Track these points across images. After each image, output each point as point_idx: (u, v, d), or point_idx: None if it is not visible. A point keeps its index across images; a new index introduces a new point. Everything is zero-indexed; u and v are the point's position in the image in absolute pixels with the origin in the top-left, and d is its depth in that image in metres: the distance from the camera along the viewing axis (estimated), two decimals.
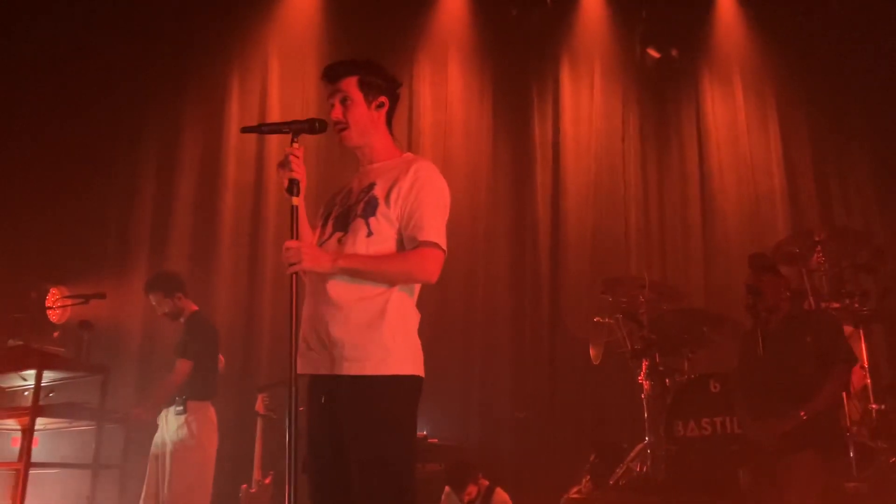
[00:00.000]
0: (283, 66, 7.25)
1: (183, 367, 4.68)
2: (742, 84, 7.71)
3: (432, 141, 7.29)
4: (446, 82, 7.48)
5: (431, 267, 2.50)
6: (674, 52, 7.79)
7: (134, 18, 6.70)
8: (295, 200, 2.46)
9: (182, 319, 4.92)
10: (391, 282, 2.50)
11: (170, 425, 4.68)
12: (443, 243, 2.53)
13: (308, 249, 2.43)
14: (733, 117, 7.65)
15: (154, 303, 4.91)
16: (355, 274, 2.47)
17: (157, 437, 4.71)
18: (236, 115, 7.05)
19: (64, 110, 6.36)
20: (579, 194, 7.38)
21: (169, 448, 4.63)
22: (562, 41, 7.76)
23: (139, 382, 6.07)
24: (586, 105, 7.66)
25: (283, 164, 2.49)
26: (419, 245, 2.49)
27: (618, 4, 7.76)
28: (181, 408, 4.64)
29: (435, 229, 2.52)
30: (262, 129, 2.62)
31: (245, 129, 2.66)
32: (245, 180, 6.95)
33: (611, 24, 7.76)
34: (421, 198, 2.55)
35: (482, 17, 7.64)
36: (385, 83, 2.69)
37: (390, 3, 7.39)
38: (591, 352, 5.98)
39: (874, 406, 4.68)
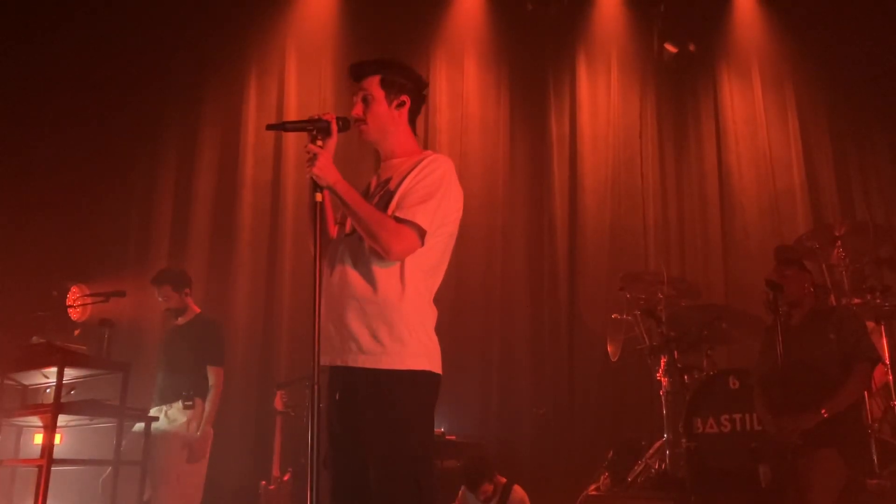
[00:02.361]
0: (301, 65, 7.27)
1: (220, 374, 4.88)
2: (761, 78, 7.64)
3: (449, 137, 7.30)
4: (463, 78, 7.48)
5: (398, 245, 2.47)
6: (691, 47, 7.73)
7: (152, 20, 6.74)
8: (318, 196, 2.46)
9: (183, 319, 5.02)
10: (362, 230, 2.48)
11: (176, 419, 4.74)
12: (424, 225, 2.49)
13: (324, 158, 2.45)
14: (752, 111, 7.58)
15: (161, 297, 4.99)
16: (342, 201, 2.48)
17: (158, 432, 4.74)
18: (254, 113, 7.09)
19: (84, 112, 6.41)
20: (597, 190, 7.36)
21: (176, 441, 4.68)
22: (578, 36, 7.73)
23: None
24: (603, 100, 7.63)
25: (312, 159, 2.48)
26: (398, 220, 2.49)
27: None
28: (190, 402, 4.73)
29: (420, 212, 2.50)
30: (287, 126, 2.62)
31: (270, 127, 2.65)
32: (263, 178, 6.99)
33: (627, 18, 7.72)
34: (418, 180, 2.56)
35: (498, 12, 7.63)
36: (408, 82, 2.72)
37: (406, 1, 7.39)
38: (609, 348, 5.97)
39: None
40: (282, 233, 6.87)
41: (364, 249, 2.53)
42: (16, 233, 5.89)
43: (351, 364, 2.47)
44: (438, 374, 2.53)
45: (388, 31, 7.15)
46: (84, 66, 6.45)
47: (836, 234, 5.23)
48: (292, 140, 7.01)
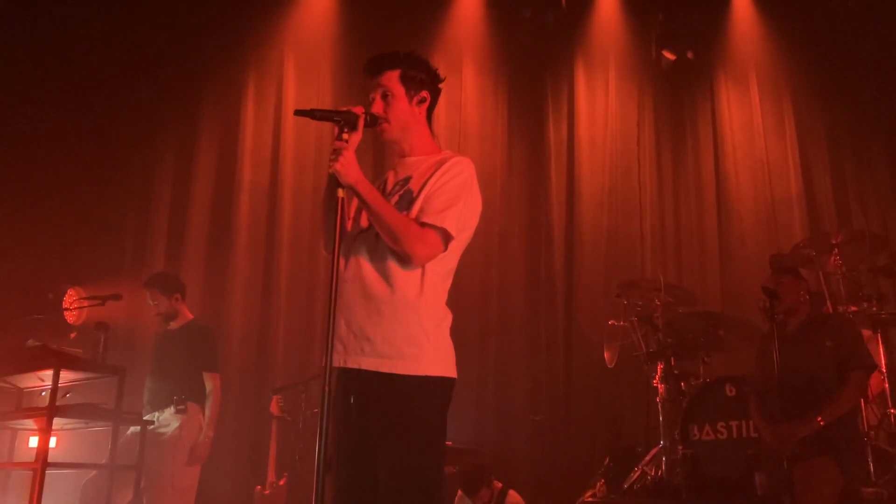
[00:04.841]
0: (299, 71, 7.27)
1: (217, 381, 4.85)
2: (758, 86, 7.65)
3: (447, 143, 7.29)
4: (461, 85, 7.48)
5: (423, 250, 2.41)
6: (689, 55, 7.74)
7: (149, 22, 6.74)
8: (341, 192, 2.37)
9: (175, 324, 5.00)
10: (384, 233, 2.41)
11: (169, 423, 4.71)
12: (451, 229, 2.44)
13: (348, 155, 2.35)
14: (749, 119, 7.60)
15: (151, 300, 4.98)
16: (364, 202, 2.40)
17: (151, 436, 4.70)
18: (251, 118, 7.08)
19: (81, 114, 6.40)
20: (594, 197, 7.36)
21: (169, 445, 4.65)
22: (576, 43, 7.74)
23: None
24: (601, 107, 7.63)
25: (336, 153, 2.39)
26: (423, 224, 2.43)
27: (633, 6, 7.72)
28: (182, 406, 4.70)
29: (448, 217, 2.44)
30: (315, 114, 2.46)
31: (298, 112, 2.48)
32: (260, 182, 6.98)
33: (626, 25, 7.73)
34: (441, 183, 2.49)
35: (496, 19, 7.63)
36: (428, 77, 2.65)
37: (405, 6, 7.39)
38: (606, 355, 5.96)
39: (892, 411, 4.64)
40: (279, 237, 6.86)
41: (382, 247, 2.45)
42: (12, 235, 5.88)
43: (365, 367, 2.39)
44: (454, 379, 2.47)
45: (385, 37, 7.13)
46: (81, 70, 6.44)
47: (833, 242, 5.24)
48: (290, 145, 7.01)
